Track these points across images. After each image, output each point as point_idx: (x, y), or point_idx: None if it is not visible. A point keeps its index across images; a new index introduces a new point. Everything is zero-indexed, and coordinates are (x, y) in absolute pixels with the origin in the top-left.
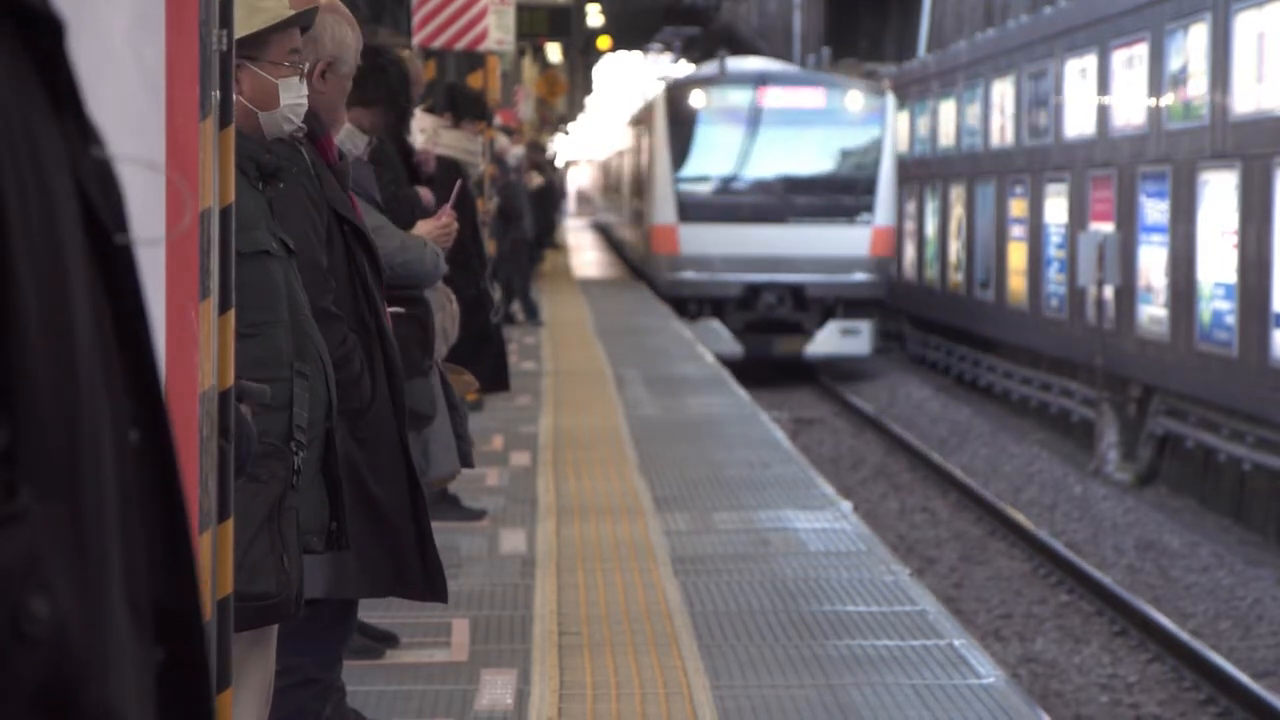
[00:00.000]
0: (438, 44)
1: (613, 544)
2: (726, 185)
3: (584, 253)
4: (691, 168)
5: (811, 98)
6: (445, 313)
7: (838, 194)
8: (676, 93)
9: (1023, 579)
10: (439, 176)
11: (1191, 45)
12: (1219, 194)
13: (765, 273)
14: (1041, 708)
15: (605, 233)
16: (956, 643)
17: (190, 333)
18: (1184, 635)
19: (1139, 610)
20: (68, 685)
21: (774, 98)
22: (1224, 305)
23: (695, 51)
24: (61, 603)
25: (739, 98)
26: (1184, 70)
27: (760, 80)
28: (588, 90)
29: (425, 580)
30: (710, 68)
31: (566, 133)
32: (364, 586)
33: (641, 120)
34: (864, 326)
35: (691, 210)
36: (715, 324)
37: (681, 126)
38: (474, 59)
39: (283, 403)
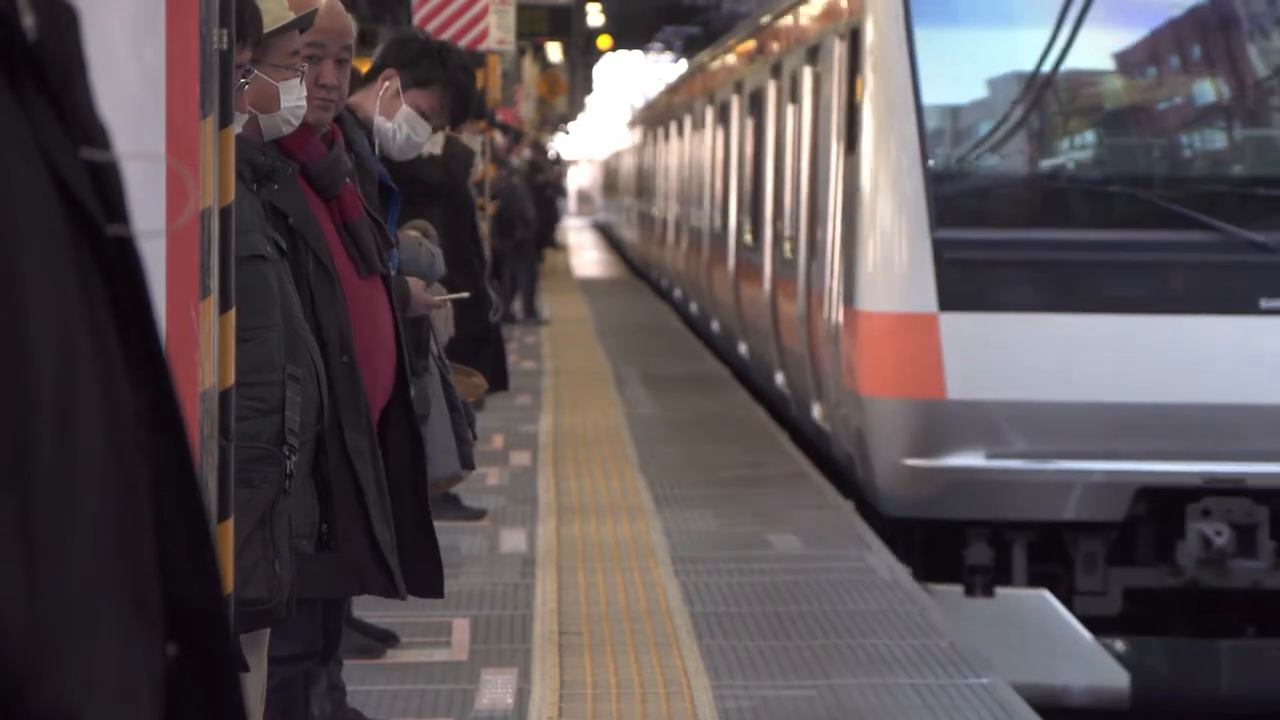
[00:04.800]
0: None
1: (613, 543)
2: (1074, 207)
3: (584, 252)
4: (972, 155)
5: None
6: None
7: None
8: None
9: None
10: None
11: None
12: None
13: (1194, 458)
14: None
15: (605, 232)
16: (957, 642)
17: (191, 332)
18: None
19: None
20: (7, 679)
21: None
22: None
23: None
24: None
25: None
26: None
27: None
28: (588, 90)
29: (392, 580)
30: None
31: (567, 132)
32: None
33: (785, 42)
34: None
35: (977, 276)
36: (1046, 601)
37: (939, 44)
38: (474, 58)
39: (275, 406)
